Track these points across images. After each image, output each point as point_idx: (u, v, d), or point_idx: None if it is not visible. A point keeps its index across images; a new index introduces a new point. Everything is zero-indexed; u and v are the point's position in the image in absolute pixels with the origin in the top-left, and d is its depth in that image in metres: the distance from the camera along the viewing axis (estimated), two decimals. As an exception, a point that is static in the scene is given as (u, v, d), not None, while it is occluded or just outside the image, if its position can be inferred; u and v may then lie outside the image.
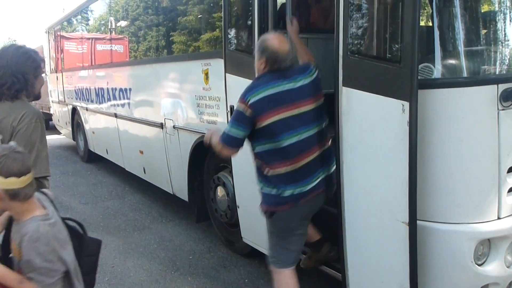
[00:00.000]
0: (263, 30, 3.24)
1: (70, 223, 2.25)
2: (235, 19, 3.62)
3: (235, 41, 3.61)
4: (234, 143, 2.57)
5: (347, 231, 2.71)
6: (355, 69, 2.50)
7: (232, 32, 3.62)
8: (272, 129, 2.48)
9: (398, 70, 2.25)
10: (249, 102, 2.47)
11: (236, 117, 2.55)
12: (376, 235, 2.56)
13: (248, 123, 2.49)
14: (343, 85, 2.53)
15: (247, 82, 3.37)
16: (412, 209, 2.28)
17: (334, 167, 2.71)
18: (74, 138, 9.70)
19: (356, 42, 2.51)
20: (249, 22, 3.38)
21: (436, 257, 2.42)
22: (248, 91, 2.53)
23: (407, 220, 2.31)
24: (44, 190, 2.20)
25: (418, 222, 2.32)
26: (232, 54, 3.61)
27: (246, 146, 3.45)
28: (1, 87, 2.34)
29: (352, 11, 2.51)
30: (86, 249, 2.22)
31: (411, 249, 2.33)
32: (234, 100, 3.58)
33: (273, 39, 2.60)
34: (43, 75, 2.49)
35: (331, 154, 2.71)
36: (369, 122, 2.45)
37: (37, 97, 2.56)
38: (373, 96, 2.39)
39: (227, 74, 3.65)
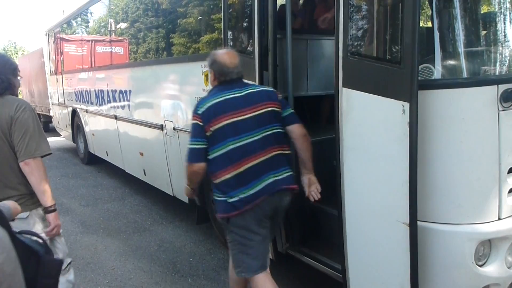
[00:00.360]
0: (263, 31, 3.25)
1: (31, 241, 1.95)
2: (234, 21, 3.62)
3: (235, 43, 3.61)
4: (197, 156, 2.62)
5: (347, 232, 2.71)
6: (355, 70, 2.50)
7: (232, 34, 3.62)
8: (219, 134, 2.59)
9: (398, 71, 2.25)
10: (198, 113, 2.63)
11: (193, 131, 2.66)
12: (376, 236, 2.56)
13: (203, 132, 2.60)
14: (343, 86, 2.53)
15: (247, 84, 3.38)
16: (413, 210, 2.28)
17: (288, 173, 2.74)
18: (74, 140, 9.70)
19: (356, 43, 2.51)
20: (249, 24, 3.38)
21: (436, 258, 2.41)
22: (197, 105, 2.68)
23: (407, 221, 2.31)
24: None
25: (418, 223, 2.31)
26: (232, 55, 3.61)
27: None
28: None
29: (352, 12, 2.51)
30: (43, 270, 1.92)
31: (411, 250, 2.32)
32: (234, 102, 3.60)
33: (222, 54, 2.79)
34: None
35: (284, 161, 2.75)
36: (369, 123, 2.45)
37: (16, 95, 2.78)
38: (373, 97, 2.39)
39: (227, 76, 3.64)
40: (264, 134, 2.66)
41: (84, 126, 8.71)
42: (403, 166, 2.27)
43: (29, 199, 2.60)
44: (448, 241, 2.39)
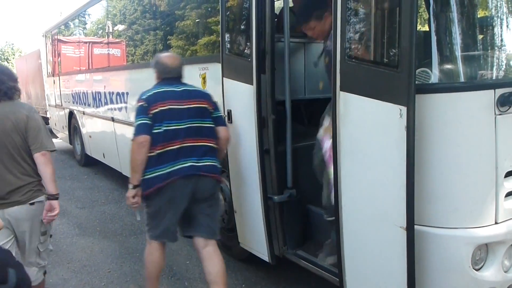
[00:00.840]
0: (260, 34, 3.24)
1: None
2: (232, 24, 3.62)
3: (233, 46, 3.61)
4: (144, 129, 3.01)
5: (344, 235, 2.70)
6: (352, 73, 2.50)
7: (230, 37, 3.62)
8: (160, 115, 3.05)
9: (396, 75, 2.25)
10: (143, 98, 3.14)
11: (138, 112, 3.11)
12: (374, 240, 2.56)
13: (145, 112, 3.05)
14: (340, 90, 2.53)
15: (244, 87, 3.39)
16: (410, 214, 2.28)
17: (210, 162, 3.14)
18: (71, 142, 9.68)
19: (353, 47, 2.51)
20: (247, 27, 3.38)
21: (433, 262, 2.42)
22: (142, 94, 3.21)
23: (405, 225, 2.31)
24: None
25: (415, 227, 2.32)
26: (230, 58, 3.61)
27: (245, 153, 3.46)
28: (7, 90, 2.93)
29: (350, 16, 2.51)
30: None
31: (408, 254, 2.33)
32: (231, 104, 3.60)
33: (165, 56, 3.43)
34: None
35: (209, 152, 3.16)
36: (367, 127, 2.45)
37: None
38: (370, 101, 2.39)
39: (224, 79, 3.64)
40: (191, 125, 3.10)
41: (81, 128, 8.68)
42: (401, 170, 2.27)
43: (41, 186, 3.00)
44: (445, 245, 2.39)
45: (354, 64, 2.48)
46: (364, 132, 2.48)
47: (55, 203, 2.97)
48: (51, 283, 3.99)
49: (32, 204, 2.91)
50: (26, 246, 2.97)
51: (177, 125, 3.07)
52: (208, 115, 3.22)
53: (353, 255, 2.70)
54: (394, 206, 2.36)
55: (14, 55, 40.24)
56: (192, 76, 4.28)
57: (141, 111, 3.08)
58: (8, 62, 39.96)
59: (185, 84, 3.33)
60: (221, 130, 3.26)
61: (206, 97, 3.30)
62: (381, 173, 2.42)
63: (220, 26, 3.68)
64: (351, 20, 2.52)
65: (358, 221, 2.62)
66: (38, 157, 2.89)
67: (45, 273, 3.23)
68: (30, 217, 2.91)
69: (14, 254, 2.64)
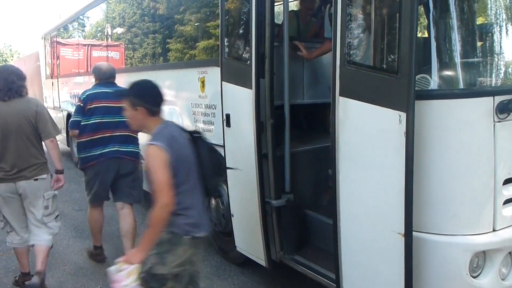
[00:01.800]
0: (260, 38, 3.24)
1: None
2: (232, 28, 3.62)
3: (232, 50, 3.61)
4: (75, 125, 4.02)
5: (342, 241, 2.70)
6: (352, 79, 2.50)
7: (229, 40, 3.62)
8: (91, 111, 3.99)
9: (395, 81, 2.25)
10: (82, 99, 4.08)
11: (76, 110, 4.14)
12: (371, 246, 2.55)
13: (82, 111, 4.02)
14: (340, 95, 2.53)
15: (243, 91, 3.39)
16: (408, 220, 2.28)
17: (131, 149, 4.09)
18: (68, 144, 9.65)
19: (353, 52, 2.51)
20: (246, 31, 3.39)
21: (431, 269, 2.41)
22: (82, 94, 4.15)
23: (403, 231, 2.31)
24: None
25: (413, 233, 2.31)
26: (229, 62, 3.60)
27: (244, 157, 3.46)
28: (17, 89, 3.53)
29: (349, 21, 2.52)
30: None
31: (406, 261, 2.32)
32: (230, 108, 3.60)
33: (101, 64, 4.47)
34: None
35: (132, 140, 4.09)
36: (366, 132, 2.45)
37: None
38: (370, 106, 2.39)
39: (223, 82, 3.64)
40: (119, 119, 3.75)
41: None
42: (399, 176, 2.26)
43: (46, 165, 3.67)
44: (442, 252, 2.39)
45: (353, 69, 2.48)
46: (363, 138, 2.48)
47: (61, 176, 3.76)
48: (47, 286, 3.96)
49: (35, 180, 3.57)
50: (34, 216, 3.66)
51: (108, 118, 3.99)
52: None
53: (350, 260, 2.69)
54: (392, 212, 2.35)
55: (12, 56, 40.19)
56: (191, 80, 4.30)
57: (78, 110, 4.10)
58: (6, 64, 39.94)
59: (116, 86, 4.24)
60: None
61: None
62: (380, 179, 2.41)
63: (219, 30, 3.69)
64: (351, 25, 2.52)
65: (356, 227, 2.61)
66: (48, 143, 3.61)
67: (51, 246, 3.88)
68: (32, 191, 3.57)
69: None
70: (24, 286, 3.82)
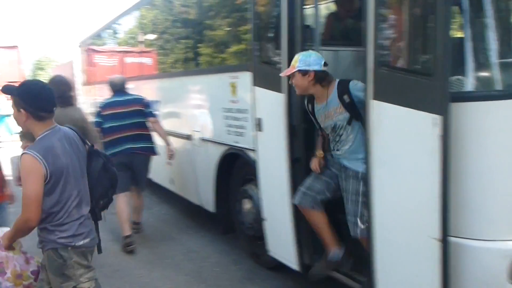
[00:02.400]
0: (291, 43, 3.25)
1: None
2: (263, 32, 3.64)
3: (263, 54, 3.63)
4: (97, 124, 4.88)
5: (376, 246, 2.66)
6: (385, 82, 2.47)
7: (260, 45, 3.64)
8: (107, 117, 4.88)
9: (430, 83, 2.21)
10: (99, 106, 5.04)
11: (96, 114, 5.05)
12: (406, 251, 2.51)
13: (99, 114, 4.95)
14: (373, 99, 2.50)
15: (274, 95, 3.40)
16: (444, 225, 2.24)
17: (144, 145, 4.98)
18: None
19: (386, 54, 2.49)
20: (277, 35, 3.39)
21: (468, 275, 2.35)
22: (101, 103, 5.09)
23: (438, 237, 2.26)
24: None
25: (450, 238, 2.26)
26: (260, 67, 3.62)
27: (276, 161, 3.46)
28: (67, 99, 4.16)
29: (382, 22, 2.49)
30: None
31: (442, 267, 2.27)
32: (261, 113, 3.61)
33: (114, 77, 5.33)
34: None
35: (144, 137, 5.00)
36: (400, 136, 2.42)
37: None
38: (404, 109, 2.36)
39: (255, 87, 3.66)
40: (130, 121, 4.89)
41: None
42: (435, 180, 2.22)
43: None
44: (480, 258, 2.33)
45: (386, 72, 2.45)
46: (397, 141, 2.44)
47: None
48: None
49: None
50: None
51: (118, 123, 4.86)
52: (142, 113, 4.99)
53: (385, 266, 2.65)
54: (428, 217, 2.31)
55: (50, 64, 41.48)
56: (222, 84, 4.33)
57: (98, 114, 5.00)
58: (44, 71, 41.24)
59: (127, 94, 5.14)
60: (150, 120, 5.05)
61: (139, 101, 5.07)
62: (415, 183, 2.37)
63: (251, 35, 3.71)
64: (383, 27, 2.49)
65: (390, 231, 2.58)
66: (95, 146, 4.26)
67: None
68: None
69: None
70: None
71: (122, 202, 4.87)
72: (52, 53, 46.06)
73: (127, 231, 4.90)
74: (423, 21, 2.33)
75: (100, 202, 2.73)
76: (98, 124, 4.92)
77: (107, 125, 4.85)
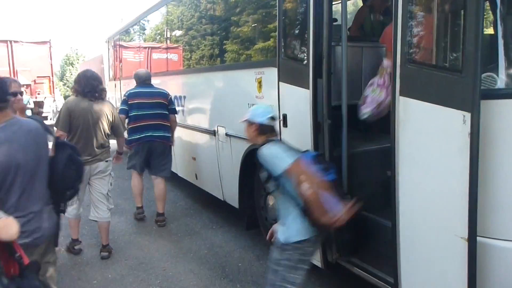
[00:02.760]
0: (317, 38, 3.23)
1: None
2: (289, 28, 3.63)
3: (289, 50, 3.62)
4: (123, 112, 5.45)
5: (401, 244, 2.63)
6: (413, 78, 2.43)
7: (287, 41, 3.63)
8: (132, 106, 5.44)
9: (460, 80, 2.17)
10: (126, 95, 5.59)
11: (122, 102, 5.67)
12: (432, 250, 2.47)
13: (125, 103, 5.49)
14: (400, 95, 2.47)
15: (300, 91, 3.39)
16: (472, 225, 2.19)
17: (161, 133, 5.50)
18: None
19: (414, 50, 2.45)
20: (304, 31, 3.38)
21: (496, 276, 2.31)
22: (126, 92, 5.67)
23: (466, 236, 2.22)
24: None
25: (478, 238, 2.22)
26: (286, 63, 3.62)
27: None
28: (100, 92, 4.50)
29: (411, 18, 2.45)
30: None
31: (470, 267, 2.23)
32: (287, 109, 3.61)
33: (139, 70, 5.90)
34: None
35: (163, 127, 5.53)
36: (428, 133, 2.38)
37: None
38: (432, 106, 2.32)
39: (280, 83, 3.66)
40: (153, 112, 5.44)
41: (139, 130, 8.96)
42: (463, 178, 2.18)
43: (109, 152, 4.64)
44: (508, 259, 2.27)
45: (415, 68, 2.42)
46: (424, 138, 2.41)
47: (120, 156, 5.03)
48: (109, 278, 4.16)
49: (106, 161, 4.54)
50: (100, 192, 4.53)
51: (143, 111, 5.41)
52: (165, 106, 5.52)
53: (409, 264, 2.62)
54: (455, 216, 2.27)
55: (78, 60, 42.30)
56: (248, 80, 4.34)
57: (124, 102, 5.57)
58: (72, 67, 42.07)
59: (151, 86, 5.68)
60: (171, 116, 5.62)
61: (164, 95, 5.57)
62: (442, 181, 2.33)
63: (277, 30, 3.70)
64: (412, 23, 2.46)
65: (416, 230, 2.54)
66: (119, 139, 4.86)
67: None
68: (104, 169, 4.51)
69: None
70: (74, 251, 4.74)
71: (135, 178, 5.78)
72: (81, 48, 46.91)
73: (139, 203, 5.86)
74: (454, 16, 2.29)
75: (66, 193, 2.72)
76: (124, 111, 5.43)
77: (132, 113, 5.42)
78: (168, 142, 5.58)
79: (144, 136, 5.40)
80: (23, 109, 3.58)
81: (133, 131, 5.44)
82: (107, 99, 4.76)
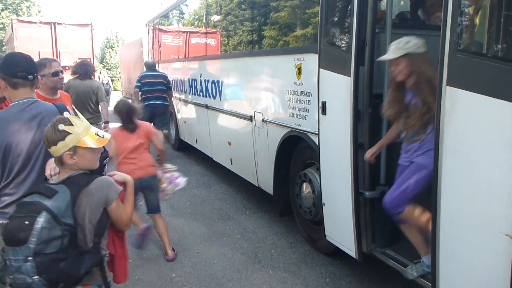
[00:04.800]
0: (361, 25, 3.15)
1: None
2: (332, 14, 3.55)
3: (331, 36, 3.55)
4: (137, 87, 8.01)
5: (441, 238, 2.56)
6: (462, 68, 2.33)
7: (329, 27, 3.56)
8: (144, 84, 7.95)
9: (512, 70, 2.07)
10: (140, 76, 8.13)
11: (137, 81, 8.08)
12: (473, 246, 2.39)
13: (140, 82, 7.99)
14: (447, 85, 2.38)
15: (341, 78, 3.33)
16: (518, 222, 2.10)
17: (160, 101, 8.00)
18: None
19: (464, 39, 2.35)
20: (347, 17, 3.30)
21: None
22: (140, 74, 8.21)
23: (511, 233, 2.14)
24: None
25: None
26: (327, 49, 3.55)
27: (338, 146, 3.41)
28: (90, 74, 6.00)
29: (461, 4, 2.35)
30: None
31: (514, 265, 2.15)
32: (326, 96, 3.55)
33: (148, 60, 8.98)
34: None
35: (163, 98, 8.07)
36: (475, 125, 2.28)
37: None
38: (480, 97, 2.22)
39: (320, 69, 3.59)
40: (157, 88, 7.92)
41: (176, 113, 9.09)
42: (511, 174, 2.09)
43: (100, 118, 5.91)
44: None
45: (464, 57, 2.31)
46: (471, 130, 2.31)
47: (107, 125, 5.99)
48: (145, 258, 4.25)
49: (97, 125, 5.19)
50: None
51: (150, 87, 7.87)
52: (164, 84, 8.03)
53: (449, 260, 2.55)
54: (500, 212, 2.18)
55: (118, 43, 43.04)
56: (287, 66, 4.30)
57: (138, 81, 7.99)
58: (112, 49, 42.86)
59: (156, 71, 8.33)
60: (168, 91, 8.18)
61: (163, 77, 8.13)
62: (488, 176, 2.24)
63: (319, 16, 3.63)
64: (463, 10, 2.35)
65: (457, 224, 2.46)
66: (102, 105, 5.92)
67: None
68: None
69: None
70: None
71: None
72: (121, 31, 47.64)
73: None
74: (509, 2, 2.17)
75: None
76: (138, 87, 7.95)
77: (144, 89, 7.89)
78: (166, 107, 8.13)
79: (151, 103, 7.76)
80: (53, 88, 3.67)
81: (144, 100, 7.82)
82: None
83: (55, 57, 15.56)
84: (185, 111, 8.52)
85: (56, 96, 3.67)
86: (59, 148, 1.97)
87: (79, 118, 2.06)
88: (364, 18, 3.15)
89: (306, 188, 4.29)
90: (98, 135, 2.06)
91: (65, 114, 2.06)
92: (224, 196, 6.22)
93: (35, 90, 2.46)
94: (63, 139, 1.96)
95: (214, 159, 6.97)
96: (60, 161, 2.02)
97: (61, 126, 1.96)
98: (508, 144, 2.11)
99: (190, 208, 5.67)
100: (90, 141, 2.00)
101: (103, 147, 2.21)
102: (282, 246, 4.51)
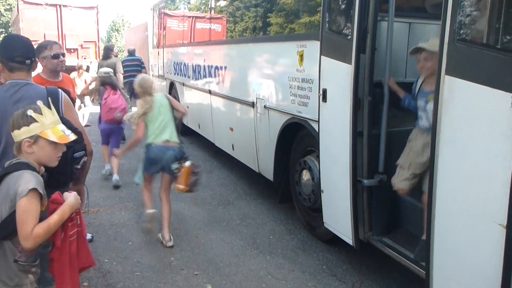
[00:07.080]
0: (363, 12, 3.13)
1: None
2: (335, 1, 3.53)
3: (333, 23, 3.53)
4: (122, 68, 9.63)
5: (436, 228, 2.57)
6: (461, 57, 2.32)
7: (331, 14, 3.54)
8: (125, 66, 9.86)
9: (511, 60, 2.06)
10: (123, 61, 10.47)
11: (121, 63, 9.83)
12: (468, 235, 2.41)
13: (122, 64, 9.81)
14: (446, 74, 2.37)
15: (342, 66, 3.32)
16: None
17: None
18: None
19: (464, 28, 2.33)
20: (349, 4, 3.28)
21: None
22: (123, 59, 10.92)
23: (505, 223, 2.14)
24: None
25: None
26: (329, 36, 3.53)
27: (338, 134, 3.41)
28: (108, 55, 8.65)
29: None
30: None
31: (506, 254, 2.16)
32: (327, 83, 3.55)
33: (130, 47, 12.06)
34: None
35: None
36: (472, 115, 2.28)
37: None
38: (478, 87, 2.21)
39: (322, 57, 3.58)
40: (134, 68, 10.01)
41: (180, 98, 9.08)
42: (506, 164, 2.09)
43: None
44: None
45: (464, 47, 2.30)
46: (468, 120, 2.31)
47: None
48: (144, 241, 4.29)
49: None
50: None
51: (130, 68, 9.96)
52: (139, 65, 10.33)
53: (443, 248, 2.57)
54: (494, 202, 2.19)
55: (123, 26, 42.91)
56: (289, 53, 4.29)
57: (121, 63, 9.73)
58: (118, 33, 42.75)
59: (134, 56, 10.73)
60: (142, 70, 10.21)
61: (138, 60, 10.50)
62: (483, 166, 2.25)
63: (321, 3, 3.61)
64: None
65: (452, 213, 2.48)
66: (118, 75, 8.59)
67: None
68: None
69: None
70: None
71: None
72: (127, 15, 47.41)
73: None
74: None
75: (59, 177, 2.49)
76: (121, 68, 9.39)
77: (125, 69, 9.52)
78: None
79: (129, 80, 8.80)
80: (54, 71, 3.60)
81: (125, 77, 9.40)
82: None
83: (60, 40, 15.56)
84: (188, 96, 8.52)
85: (58, 79, 3.67)
86: (21, 133, 1.99)
87: (51, 111, 2.06)
88: (366, 5, 3.13)
89: (305, 175, 4.30)
90: (64, 132, 2.06)
91: (38, 102, 2.06)
92: (225, 182, 6.24)
93: (38, 73, 2.45)
94: (28, 125, 1.98)
95: (216, 144, 6.99)
96: (18, 148, 2.02)
97: (30, 112, 1.97)
98: (504, 134, 2.11)
99: (191, 194, 5.69)
100: (53, 135, 2.02)
101: (82, 141, 2.28)
102: (280, 232, 4.54)
